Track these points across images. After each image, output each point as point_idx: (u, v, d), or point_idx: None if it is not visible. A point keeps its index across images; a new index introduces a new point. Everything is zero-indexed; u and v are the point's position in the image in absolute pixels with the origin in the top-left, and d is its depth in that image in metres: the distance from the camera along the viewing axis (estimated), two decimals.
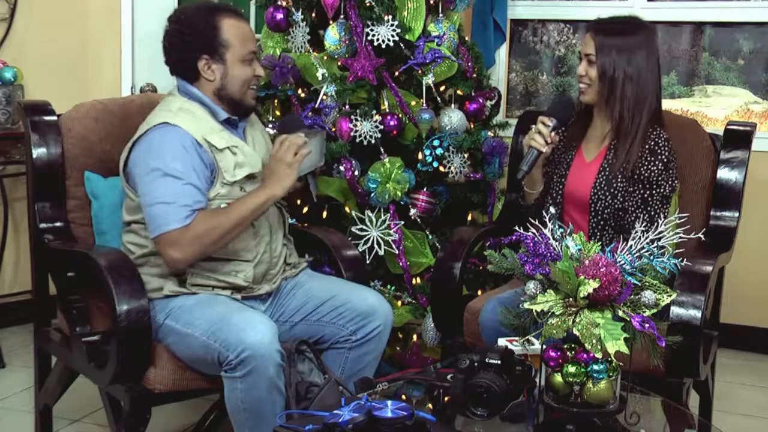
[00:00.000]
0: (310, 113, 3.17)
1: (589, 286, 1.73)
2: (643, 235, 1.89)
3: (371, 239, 3.09)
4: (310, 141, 2.39)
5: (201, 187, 2.30)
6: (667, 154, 2.53)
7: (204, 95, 2.40)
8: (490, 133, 3.36)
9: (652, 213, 2.49)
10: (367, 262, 3.05)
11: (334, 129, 3.11)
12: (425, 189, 3.20)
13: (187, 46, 2.37)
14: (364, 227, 3.09)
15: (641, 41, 2.53)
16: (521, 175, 2.55)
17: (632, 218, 2.49)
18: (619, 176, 2.54)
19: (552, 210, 2.59)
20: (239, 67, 2.38)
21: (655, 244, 1.88)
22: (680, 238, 2.04)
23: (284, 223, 2.58)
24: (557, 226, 1.92)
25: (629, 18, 2.62)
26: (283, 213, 2.58)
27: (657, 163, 2.52)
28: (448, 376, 2.00)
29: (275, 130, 3.11)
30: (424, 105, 3.15)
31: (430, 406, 2.07)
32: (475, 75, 3.35)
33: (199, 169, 2.30)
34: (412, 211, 3.16)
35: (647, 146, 2.53)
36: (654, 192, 2.51)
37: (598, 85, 2.54)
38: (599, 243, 1.93)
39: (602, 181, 2.57)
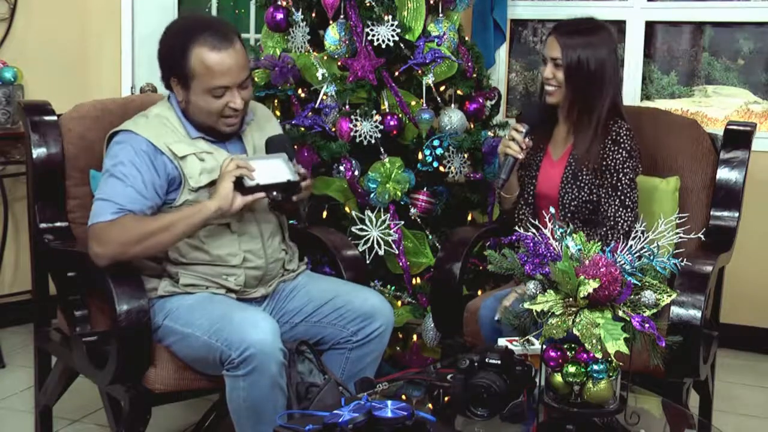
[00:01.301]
0: (310, 113, 3.17)
1: (589, 286, 1.73)
2: (643, 236, 1.89)
3: (371, 239, 3.09)
4: (262, 160, 2.34)
5: (146, 194, 2.29)
6: (629, 142, 2.60)
7: (178, 108, 2.41)
8: (490, 133, 3.36)
9: (623, 197, 2.56)
10: (367, 262, 3.05)
11: (334, 129, 3.11)
12: (425, 189, 3.20)
13: (162, 61, 2.38)
14: (364, 227, 3.09)
15: (602, 39, 2.62)
16: (501, 184, 2.66)
17: (605, 206, 2.58)
18: (584, 169, 2.61)
19: (552, 210, 2.61)
20: (203, 97, 2.32)
21: (654, 244, 1.88)
22: (680, 238, 2.05)
23: (282, 228, 2.57)
24: (557, 226, 1.93)
25: (588, 19, 2.71)
26: (280, 219, 2.57)
27: (621, 151, 2.59)
28: (448, 376, 2.00)
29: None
30: (424, 105, 3.15)
31: (430, 406, 2.07)
32: (475, 75, 3.35)
33: (148, 176, 2.30)
34: (412, 211, 3.16)
35: (609, 138, 2.61)
36: (621, 177, 2.58)
37: (565, 86, 2.62)
38: (599, 243, 1.93)
39: (569, 176, 2.65)
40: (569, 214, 2.63)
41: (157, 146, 2.32)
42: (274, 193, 2.34)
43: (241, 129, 2.47)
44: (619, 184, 2.57)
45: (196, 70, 2.29)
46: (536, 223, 1.99)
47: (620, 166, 2.58)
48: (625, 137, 2.60)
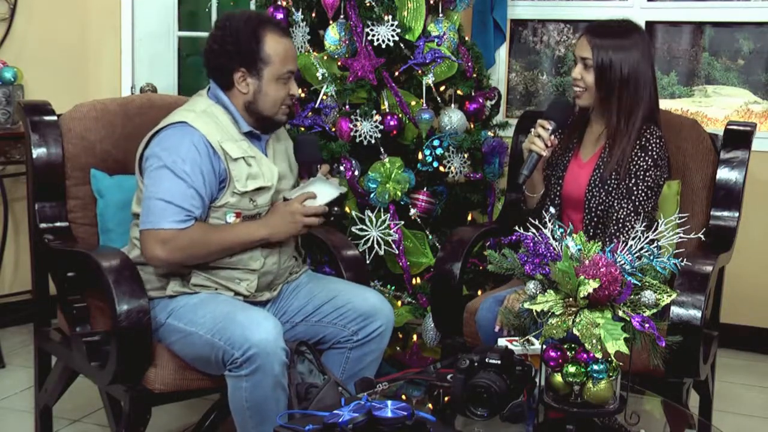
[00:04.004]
0: (310, 113, 3.17)
1: (589, 286, 1.73)
2: (643, 235, 1.89)
3: (371, 239, 3.09)
4: (315, 184, 2.42)
5: (204, 194, 2.29)
6: (657, 150, 2.54)
7: (232, 105, 2.39)
8: (490, 133, 3.36)
9: (636, 203, 2.50)
10: (367, 262, 3.05)
11: (334, 129, 3.12)
12: (425, 189, 3.21)
13: (227, 54, 2.35)
14: (364, 227, 3.09)
15: (636, 44, 2.55)
16: (522, 180, 2.56)
17: (617, 209, 2.51)
18: (613, 174, 2.55)
19: (552, 210, 2.60)
20: (274, 85, 2.36)
21: (655, 244, 1.88)
22: (680, 238, 2.05)
23: (297, 237, 2.56)
24: (557, 227, 1.92)
25: (623, 21, 2.63)
26: None
27: (647, 158, 2.53)
28: (448, 376, 2.00)
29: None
30: (424, 105, 3.16)
31: (430, 406, 2.07)
32: (475, 75, 3.35)
33: (207, 175, 2.29)
34: (412, 211, 3.16)
35: (639, 143, 2.54)
36: (639, 182, 2.52)
37: (595, 90, 2.55)
38: (599, 243, 1.93)
39: (596, 180, 2.58)
40: (594, 218, 2.57)
41: (212, 143, 2.31)
42: (335, 209, 2.43)
43: (270, 134, 2.47)
44: (635, 188, 2.51)
45: (272, 56, 2.34)
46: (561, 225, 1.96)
47: (642, 173, 2.51)
48: (654, 144, 2.52)
